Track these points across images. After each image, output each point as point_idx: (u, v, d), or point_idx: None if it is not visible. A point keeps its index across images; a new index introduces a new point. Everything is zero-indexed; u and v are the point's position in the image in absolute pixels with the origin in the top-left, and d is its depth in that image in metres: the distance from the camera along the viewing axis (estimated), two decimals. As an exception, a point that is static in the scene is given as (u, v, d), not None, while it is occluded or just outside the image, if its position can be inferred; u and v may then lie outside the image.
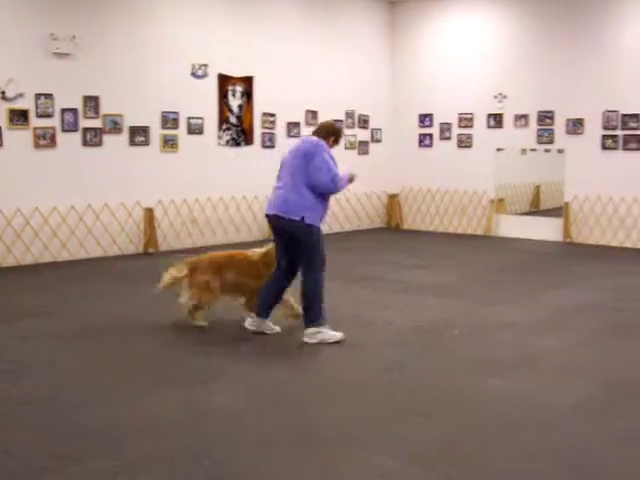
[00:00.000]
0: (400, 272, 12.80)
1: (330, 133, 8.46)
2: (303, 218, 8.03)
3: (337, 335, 8.23)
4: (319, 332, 8.17)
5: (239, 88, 16.40)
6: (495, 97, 17.86)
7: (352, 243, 16.54)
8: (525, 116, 17.52)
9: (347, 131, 18.51)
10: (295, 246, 8.26)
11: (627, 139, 16.17)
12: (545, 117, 17.26)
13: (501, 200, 18.18)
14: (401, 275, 12.51)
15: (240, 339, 8.44)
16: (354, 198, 18.63)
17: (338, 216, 18.22)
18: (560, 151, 17.10)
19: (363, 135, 19.13)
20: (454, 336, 8.64)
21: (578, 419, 6.03)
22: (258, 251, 8.99)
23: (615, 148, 16.32)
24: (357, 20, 18.89)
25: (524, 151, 17.86)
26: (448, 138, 18.70)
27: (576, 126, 16.79)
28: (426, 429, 5.83)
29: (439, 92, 18.70)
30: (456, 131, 18.58)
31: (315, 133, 8.47)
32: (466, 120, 18.43)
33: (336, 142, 8.56)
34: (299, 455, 5.34)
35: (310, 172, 8.02)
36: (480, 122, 18.26)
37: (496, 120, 17.97)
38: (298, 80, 17.47)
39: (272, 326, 8.65)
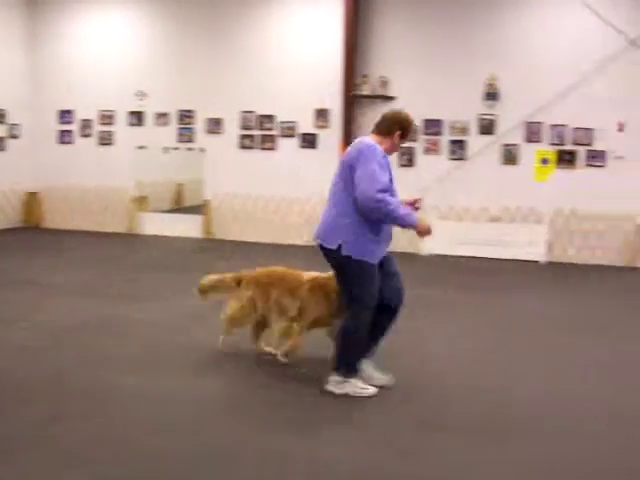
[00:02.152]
0: (44, 273, 11.85)
1: (393, 126, 6.25)
2: (340, 247, 6.08)
3: (369, 390, 6.31)
4: (346, 382, 6.29)
5: None
6: (136, 95, 17.31)
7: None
8: (166, 114, 17.18)
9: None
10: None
11: (264, 139, 16.38)
12: (185, 116, 17.02)
13: (143, 198, 17.63)
14: (45, 276, 11.55)
15: None
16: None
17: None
18: (202, 150, 16.97)
19: (0, 131, 17.68)
20: (93, 335, 8.07)
21: (214, 413, 5.91)
22: (314, 274, 7.13)
23: (252, 147, 16.50)
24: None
25: (166, 149, 17.50)
26: (89, 135, 17.83)
27: (216, 126, 16.78)
28: (82, 429, 5.42)
29: (80, 88, 17.45)
30: (97, 128, 17.74)
31: (375, 129, 6.32)
32: (107, 117, 17.64)
33: (404, 137, 6.30)
34: None
35: (355, 185, 5.98)
36: (121, 119, 17.57)
37: (137, 118, 17.44)
38: None
39: (379, 375, 6.52)
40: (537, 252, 14.48)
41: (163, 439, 5.31)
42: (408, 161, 15.39)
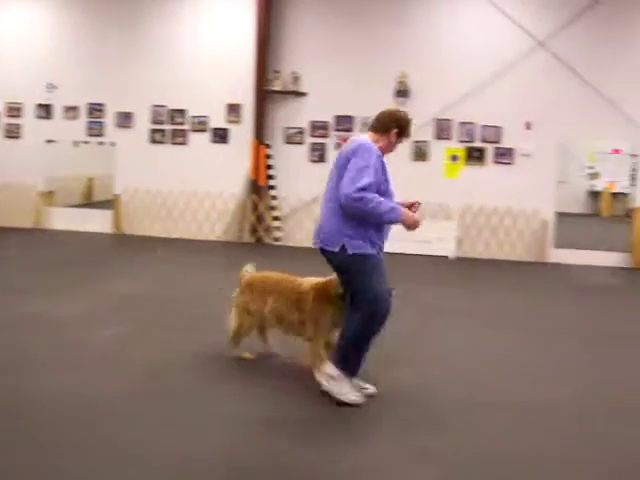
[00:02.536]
0: None
1: (390, 124, 6.00)
2: (344, 247, 5.78)
3: (354, 398, 5.92)
4: (338, 381, 5.95)
5: None
6: (46, 87, 16.77)
7: None
8: (75, 108, 16.68)
9: None
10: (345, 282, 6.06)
11: (175, 133, 16.02)
12: (95, 110, 16.56)
13: (51, 192, 17.10)
14: None
15: None
16: None
17: None
18: (112, 144, 16.50)
19: None
20: (4, 332, 7.68)
21: (127, 408, 5.70)
22: (314, 280, 6.59)
23: (163, 142, 16.17)
24: None
25: (76, 143, 17.00)
26: (-5, 128, 17.20)
27: (126, 119, 16.36)
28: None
29: (-15, 80, 17.07)
30: (4, 121, 17.07)
31: (371, 127, 6.10)
32: (14, 110, 17.01)
33: (401, 136, 6.05)
34: None
35: None
36: (29, 112, 16.96)
37: (46, 111, 16.90)
38: None
39: (363, 384, 6.15)
40: (446, 248, 14.54)
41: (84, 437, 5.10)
42: (319, 157, 15.32)
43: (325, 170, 14.99)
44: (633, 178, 18.02)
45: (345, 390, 5.92)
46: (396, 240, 14.27)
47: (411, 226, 5.83)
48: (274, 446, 5.09)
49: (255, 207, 15.40)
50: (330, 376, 5.95)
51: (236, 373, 6.65)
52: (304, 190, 15.24)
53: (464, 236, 14.85)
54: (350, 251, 5.77)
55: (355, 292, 5.91)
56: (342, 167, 5.79)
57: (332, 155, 15.15)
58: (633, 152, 17.20)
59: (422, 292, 10.81)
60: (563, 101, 14.42)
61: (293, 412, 5.79)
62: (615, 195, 24.77)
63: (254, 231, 15.47)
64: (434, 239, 14.54)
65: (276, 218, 15.43)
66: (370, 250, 5.82)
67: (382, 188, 5.81)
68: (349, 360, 5.95)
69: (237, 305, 6.98)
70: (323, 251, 5.94)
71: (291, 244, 15.27)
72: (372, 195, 5.61)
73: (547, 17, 14.47)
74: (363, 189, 5.57)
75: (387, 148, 6.03)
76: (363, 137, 5.99)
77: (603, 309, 10.47)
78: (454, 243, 14.65)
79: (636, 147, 15.01)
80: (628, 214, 17.53)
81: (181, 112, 15.93)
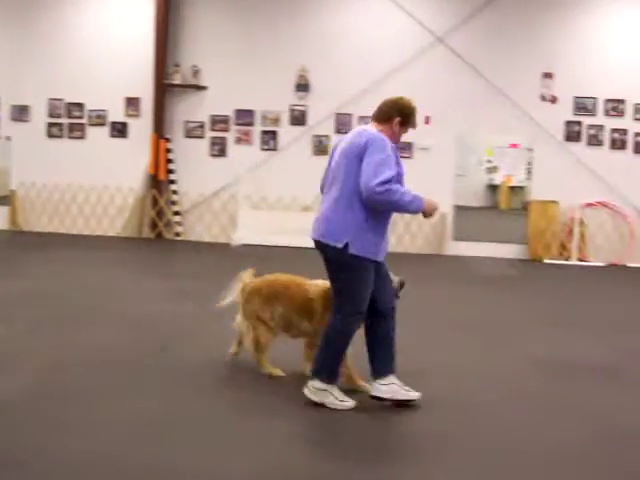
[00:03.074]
0: None
1: (392, 112, 5.66)
2: (347, 246, 5.49)
3: (346, 403, 5.69)
4: (326, 391, 5.67)
5: None
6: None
7: None
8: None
9: None
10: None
11: (72, 127, 15.65)
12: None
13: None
14: None
15: None
16: None
17: None
18: (7, 138, 15.93)
19: None
20: None
21: (17, 409, 5.46)
22: (321, 285, 6.29)
23: (61, 136, 15.76)
24: None
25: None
26: None
27: (22, 113, 15.85)
28: None
29: None
30: None
31: (374, 117, 5.74)
32: None
33: (405, 125, 5.71)
34: None
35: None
36: None
37: None
38: None
39: (408, 389, 5.86)
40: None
41: None
42: (220, 151, 15.19)
43: (225, 164, 15.12)
44: (529, 172, 18.41)
45: (335, 399, 5.71)
46: (297, 234, 14.34)
47: (431, 213, 5.65)
48: (158, 447, 4.94)
49: (155, 202, 15.18)
50: (317, 389, 5.69)
51: (129, 372, 6.49)
52: (204, 184, 15.14)
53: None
54: (352, 251, 5.53)
55: (338, 292, 5.76)
56: (353, 161, 5.51)
57: (232, 149, 15.15)
58: (529, 147, 17.55)
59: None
60: (462, 96, 14.65)
61: (178, 411, 5.68)
62: (512, 189, 25.35)
63: (154, 226, 15.24)
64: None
65: (176, 213, 15.25)
66: (372, 256, 5.60)
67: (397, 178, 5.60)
68: (328, 365, 5.71)
69: (248, 316, 6.46)
70: (320, 245, 5.71)
71: (192, 239, 15.13)
72: (396, 186, 5.42)
73: (448, 12, 14.68)
74: (387, 182, 5.36)
75: (391, 138, 5.66)
76: (371, 129, 5.68)
77: (498, 299, 10.64)
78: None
79: (532, 142, 15.28)
80: (525, 207, 17.94)
81: (79, 106, 15.56)
